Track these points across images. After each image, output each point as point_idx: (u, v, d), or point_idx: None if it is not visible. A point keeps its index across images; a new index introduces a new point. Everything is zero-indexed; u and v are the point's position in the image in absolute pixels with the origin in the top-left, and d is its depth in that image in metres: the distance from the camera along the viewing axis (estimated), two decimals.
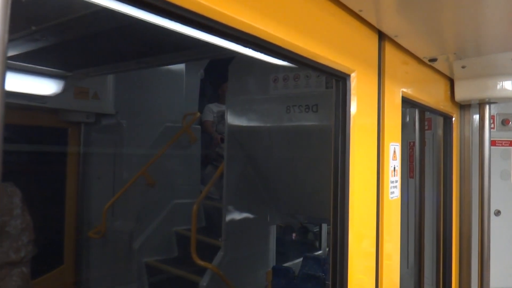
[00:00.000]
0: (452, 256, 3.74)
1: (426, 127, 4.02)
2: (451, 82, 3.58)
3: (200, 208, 7.15)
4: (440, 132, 3.81)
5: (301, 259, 7.10)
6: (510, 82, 3.27)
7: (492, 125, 3.90)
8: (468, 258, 3.84)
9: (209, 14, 1.25)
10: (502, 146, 4.02)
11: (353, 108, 2.06)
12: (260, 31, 1.45)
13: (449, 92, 3.60)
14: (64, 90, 6.21)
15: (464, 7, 1.97)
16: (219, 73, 7.69)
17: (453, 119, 3.75)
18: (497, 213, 3.90)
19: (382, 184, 2.34)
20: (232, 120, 5.93)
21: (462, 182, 3.88)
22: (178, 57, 5.36)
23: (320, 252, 9.18)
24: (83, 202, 7.32)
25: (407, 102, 2.79)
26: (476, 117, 3.75)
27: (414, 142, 3.89)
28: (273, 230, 7.00)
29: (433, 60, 2.91)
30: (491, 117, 3.75)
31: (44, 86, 5.99)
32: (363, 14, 2.05)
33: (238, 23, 1.36)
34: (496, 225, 3.72)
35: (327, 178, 2.18)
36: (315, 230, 9.99)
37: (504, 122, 4.00)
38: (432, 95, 3.32)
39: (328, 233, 8.84)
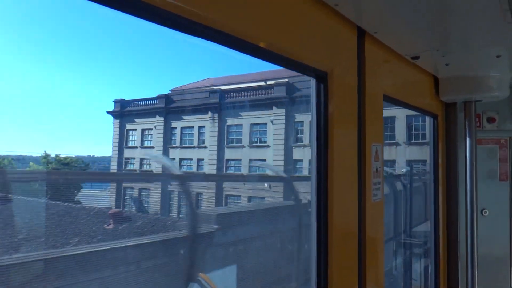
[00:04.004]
0: (440, 255, 3.80)
1: (477, 124, 4.01)
2: (436, 81, 3.60)
3: None
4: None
5: None
6: (495, 80, 3.31)
7: (478, 124, 4.04)
8: (455, 256, 3.91)
9: (183, 13, 1.26)
10: (488, 144, 4.16)
11: (332, 107, 2.03)
12: (234, 29, 1.45)
13: (433, 91, 3.62)
14: None
15: (448, 1, 1.95)
16: None
17: (438, 117, 3.78)
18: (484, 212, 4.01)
19: (364, 186, 2.32)
20: None
21: (449, 181, 3.94)
22: None
23: None
24: None
25: (389, 101, 2.77)
26: (462, 115, 3.77)
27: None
28: None
29: (416, 57, 2.90)
30: (477, 116, 3.87)
31: None
32: (339, 9, 2.01)
33: (212, 22, 1.36)
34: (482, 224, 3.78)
35: None
36: None
37: (490, 120, 4.10)
38: (416, 94, 3.34)
39: None
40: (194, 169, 36.60)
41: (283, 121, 35.90)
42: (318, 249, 2.04)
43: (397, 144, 33.42)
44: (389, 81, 2.72)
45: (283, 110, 35.92)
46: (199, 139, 37.25)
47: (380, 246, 2.53)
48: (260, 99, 36.25)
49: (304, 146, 35.80)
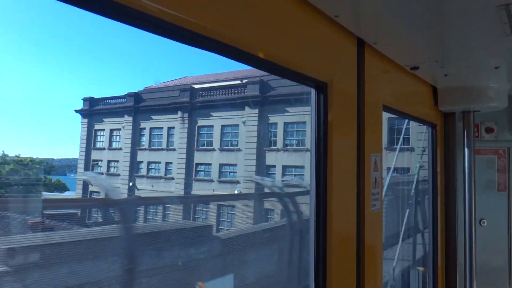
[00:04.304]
0: (438, 265, 3.73)
1: (475, 134, 3.89)
2: (434, 91, 3.55)
3: None
4: None
5: None
6: (493, 90, 3.29)
7: (476, 134, 3.93)
8: (454, 266, 3.83)
9: (182, 24, 1.24)
10: (486, 155, 4.09)
11: (332, 117, 2.00)
12: (234, 39, 1.43)
13: (432, 101, 3.56)
14: None
15: (446, 13, 1.94)
16: None
17: (437, 127, 3.73)
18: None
19: (363, 196, 2.27)
20: None
21: (447, 191, 3.87)
22: None
23: None
24: None
25: (389, 111, 2.76)
26: (460, 125, 3.71)
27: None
28: None
29: (415, 68, 2.85)
30: (475, 126, 3.74)
31: None
32: (340, 20, 1.99)
33: (211, 32, 1.34)
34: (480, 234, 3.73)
35: None
36: None
37: (488, 131, 4.03)
38: (415, 104, 3.30)
39: None
40: (162, 173, 34.60)
41: (256, 123, 33.11)
42: (316, 259, 1.99)
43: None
44: (388, 91, 2.70)
45: (256, 111, 33.18)
46: (168, 140, 35.17)
47: (379, 257, 2.48)
48: (232, 99, 33.61)
49: (278, 150, 32.94)
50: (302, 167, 31.44)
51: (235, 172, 32.78)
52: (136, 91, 35.71)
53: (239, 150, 33.05)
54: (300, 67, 1.81)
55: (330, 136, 1.99)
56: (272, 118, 32.76)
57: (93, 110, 36.56)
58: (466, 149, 3.56)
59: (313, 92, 2.03)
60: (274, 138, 32.74)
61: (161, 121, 34.73)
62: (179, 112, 34.24)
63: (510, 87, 3.37)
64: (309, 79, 1.93)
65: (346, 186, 2.16)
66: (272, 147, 32.64)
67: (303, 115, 32.12)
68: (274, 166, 32.32)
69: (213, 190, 33.78)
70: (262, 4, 1.56)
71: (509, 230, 4.07)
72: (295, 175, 32.31)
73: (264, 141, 32.93)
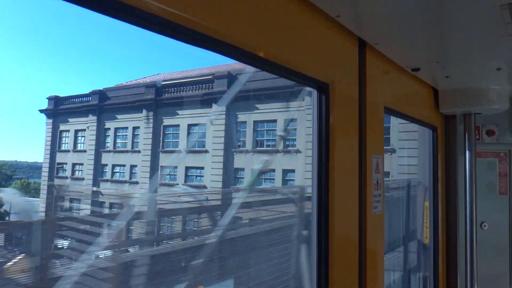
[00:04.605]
0: (439, 269, 3.69)
1: (477, 137, 3.83)
2: (435, 93, 3.52)
3: None
4: None
5: None
6: (495, 92, 3.26)
7: (477, 136, 3.88)
8: (455, 270, 3.79)
9: (182, 22, 1.23)
10: (487, 157, 4.02)
11: (333, 118, 1.99)
12: (235, 39, 1.42)
13: (433, 103, 3.54)
14: None
15: (448, 14, 1.93)
16: None
17: (438, 130, 3.71)
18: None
19: (364, 198, 2.25)
20: None
21: (448, 194, 3.83)
22: None
23: None
24: None
25: (390, 113, 2.76)
26: (461, 128, 3.70)
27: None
28: None
29: (416, 69, 2.84)
30: (476, 128, 3.69)
31: None
32: (341, 20, 1.98)
33: (212, 31, 1.33)
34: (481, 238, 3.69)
35: None
36: None
37: (489, 133, 3.96)
38: (416, 106, 3.28)
39: None
40: (127, 177, 32.16)
41: (224, 121, 30.09)
42: (318, 261, 1.98)
43: None
44: (389, 93, 2.68)
45: (224, 108, 30.10)
46: (133, 142, 32.66)
47: (380, 259, 2.47)
48: (198, 95, 30.62)
49: (247, 152, 29.70)
50: (273, 170, 28.23)
51: (202, 176, 29.95)
52: (101, 89, 33.34)
53: (206, 151, 30.16)
54: (301, 67, 1.80)
55: (332, 137, 1.99)
56: (242, 117, 29.68)
57: (58, 110, 34.61)
58: (467, 152, 3.53)
59: (314, 93, 2.01)
60: (243, 139, 29.69)
61: (126, 121, 32.27)
62: (144, 111, 31.66)
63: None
64: (310, 80, 1.91)
65: (348, 187, 2.15)
66: (241, 149, 29.60)
67: (275, 113, 28.80)
68: (243, 169, 29.30)
69: (179, 196, 30.78)
70: (262, 3, 1.56)
71: (510, 234, 3.99)
72: (265, 179, 29.25)
73: (233, 142, 29.93)
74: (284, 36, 1.66)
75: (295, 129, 27.96)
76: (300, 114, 27.85)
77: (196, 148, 30.67)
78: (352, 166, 2.18)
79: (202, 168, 30.34)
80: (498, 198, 4.01)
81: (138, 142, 32.18)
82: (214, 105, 30.34)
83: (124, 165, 32.19)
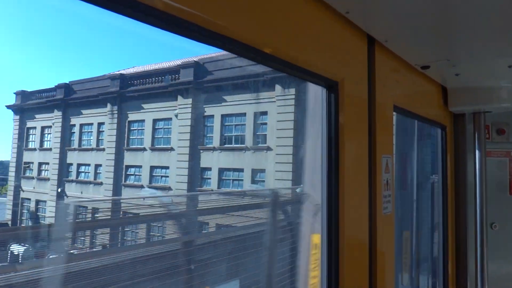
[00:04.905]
0: (448, 270, 3.66)
1: (486, 136, 3.69)
2: (444, 91, 3.48)
3: None
4: None
5: None
6: (506, 90, 3.22)
7: (487, 135, 3.79)
8: (465, 271, 3.74)
9: (189, 18, 1.20)
10: (498, 157, 3.93)
11: (342, 117, 1.96)
12: (243, 36, 1.40)
13: (442, 101, 3.48)
14: None
15: (458, 10, 1.90)
16: None
17: (447, 129, 3.66)
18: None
19: (374, 198, 2.23)
20: None
21: (457, 194, 3.78)
22: None
23: None
24: None
25: (399, 112, 2.73)
26: (471, 127, 3.63)
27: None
28: None
29: (426, 67, 2.80)
30: (486, 127, 3.62)
31: None
32: (350, 17, 1.95)
33: (227, 31, 1.32)
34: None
35: None
36: None
37: (499, 132, 3.90)
38: (425, 104, 3.24)
39: None
40: (91, 177, 29.65)
41: (189, 116, 27.10)
42: (328, 263, 1.96)
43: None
44: (399, 91, 2.65)
45: (190, 101, 27.11)
46: (98, 139, 30.08)
47: (391, 260, 2.45)
48: (162, 87, 27.69)
49: (214, 149, 26.66)
50: (242, 170, 24.99)
51: (167, 177, 27.06)
52: (67, 82, 30.89)
53: (171, 149, 27.21)
54: (310, 65, 1.77)
55: (341, 136, 1.96)
56: (208, 110, 26.52)
57: (24, 106, 32.52)
58: (476, 151, 3.48)
59: (323, 92, 1.98)
60: (211, 134, 26.54)
61: (91, 116, 29.71)
62: (109, 105, 28.96)
63: None
64: (319, 78, 1.89)
65: (358, 188, 2.12)
66: (208, 146, 26.48)
67: (245, 105, 25.48)
68: (210, 169, 26.20)
69: (143, 199, 28.16)
70: None
71: None
72: (233, 180, 26.12)
73: (199, 138, 26.85)
74: (292, 33, 1.62)
75: (266, 124, 24.69)
76: (271, 106, 24.42)
77: (161, 146, 27.77)
78: (361, 166, 2.14)
79: (167, 167, 27.43)
80: (509, 198, 3.89)
81: (103, 139, 29.59)
82: (179, 98, 27.30)
83: (89, 165, 29.72)
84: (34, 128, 32.16)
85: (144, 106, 28.34)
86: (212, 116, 26.20)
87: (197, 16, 1.21)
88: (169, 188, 26.94)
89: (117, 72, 29.69)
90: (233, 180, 25.40)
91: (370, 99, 2.22)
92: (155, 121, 28.08)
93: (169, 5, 1.12)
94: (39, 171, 31.36)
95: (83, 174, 29.82)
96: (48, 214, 28.79)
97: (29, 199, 30.10)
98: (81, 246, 10.07)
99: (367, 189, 2.18)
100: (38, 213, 30.38)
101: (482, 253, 3.37)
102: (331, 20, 1.88)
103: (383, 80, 2.34)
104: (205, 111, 26.56)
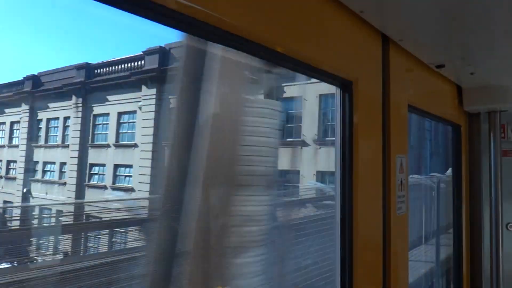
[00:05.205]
0: (463, 272, 3.67)
1: (502, 135, 3.73)
2: (459, 90, 3.51)
3: None
4: None
5: None
6: None
7: (503, 135, 3.81)
8: (480, 273, 3.75)
9: (202, 18, 1.22)
10: None
11: (357, 117, 1.98)
12: (257, 36, 1.42)
13: (456, 100, 3.52)
14: None
15: (473, 9, 1.89)
16: None
17: (461, 128, 3.68)
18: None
19: (388, 198, 2.24)
20: None
21: (472, 194, 3.80)
22: None
23: None
24: None
25: (413, 111, 2.75)
26: (486, 126, 3.64)
27: None
28: None
29: (441, 66, 2.82)
30: (501, 126, 3.66)
31: None
32: (364, 16, 1.96)
33: (240, 30, 1.33)
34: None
35: None
36: None
37: None
38: (439, 103, 3.27)
39: None
40: (57, 177, 27.19)
41: (154, 108, 24.14)
42: (342, 263, 1.97)
43: (303, 143, 19.28)
44: (413, 90, 2.64)
45: (154, 91, 24.10)
46: (64, 135, 27.53)
47: (405, 261, 2.46)
48: (126, 76, 24.82)
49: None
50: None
51: (131, 177, 24.22)
52: (36, 73, 28.54)
53: (135, 146, 24.30)
54: (324, 64, 1.78)
55: (355, 136, 1.97)
56: (174, 101, 23.38)
57: None
58: (492, 150, 3.49)
59: (337, 91, 1.99)
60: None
61: (57, 110, 27.19)
62: (73, 97, 26.35)
63: None
64: (334, 78, 1.90)
65: (372, 188, 2.13)
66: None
67: None
68: None
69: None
70: None
71: None
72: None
73: (164, 133, 23.82)
74: (306, 32, 1.64)
75: None
76: None
77: (126, 142, 24.94)
78: (376, 165, 2.16)
79: (131, 166, 24.57)
80: None
81: (68, 135, 27.08)
82: (144, 88, 24.38)
83: (54, 163, 27.27)
84: (4, 123, 30.15)
85: (109, 98, 25.57)
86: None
87: (211, 15, 1.22)
88: (132, 190, 24.05)
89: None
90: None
91: (384, 98, 2.22)
92: (120, 114, 25.24)
93: (183, 5, 1.14)
94: (7, 170, 29.30)
95: (48, 173, 27.44)
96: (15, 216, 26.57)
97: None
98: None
99: (381, 189, 2.18)
100: (5, 215, 28.28)
101: (497, 253, 3.38)
102: (345, 19, 1.88)
103: (398, 79, 2.33)
104: (171, 103, 23.48)
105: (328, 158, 18.50)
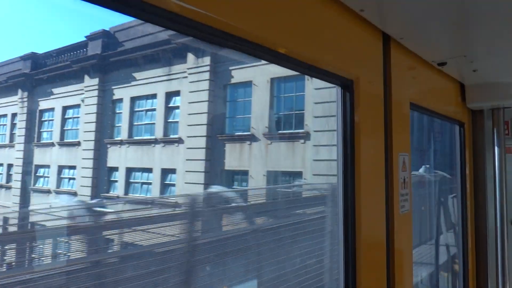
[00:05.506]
0: (469, 269, 3.68)
1: (506, 132, 3.71)
2: (462, 87, 3.53)
3: None
4: None
5: None
6: None
7: (506, 131, 3.81)
8: (485, 270, 3.75)
9: (203, 20, 1.24)
10: None
11: (358, 116, 1.99)
12: (257, 36, 1.42)
13: (459, 98, 3.54)
14: None
15: (475, 5, 1.88)
16: None
17: (465, 125, 3.70)
18: None
19: (391, 197, 2.25)
20: None
21: (476, 191, 3.81)
22: None
23: None
24: None
25: (415, 109, 2.73)
26: (489, 123, 3.67)
27: None
28: None
29: (442, 64, 2.82)
30: (505, 123, 3.65)
31: None
32: (365, 15, 1.97)
33: (240, 31, 1.34)
34: None
35: None
36: None
37: None
38: (442, 101, 3.29)
39: None
40: (3, 180, 24.68)
41: (96, 100, 21.47)
42: (345, 262, 1.97)
43: (252, 138, 16.19)
44: (415, 88, 2.66)
45: (96, 81, 21.39)
46: (12, 133, 24.99)
47: (409, 260, 2.46)
48: (67, 65, 22.04)
49: (121, 143, 20.84)
50: (173, 170, 18.45)
51: (74, 179, 21.48)
52: None
53: (78, 144, 21.48)
54: (324, 64, 1.79)
55: (357, 135, 1.97)
56: (118, 92, 20.59)
57: None
58: (495, 147, 3.50)
59: (338, 90, 2.00)
60: (119, 125, 20.59)
61: (4, 106, 24.73)
62: (19, 92, 23.78)
63: None
64: (334, 77, 1.90)
65: (374, 187, 2.13)
66: (116, 139, 20.59)
67: (155, 84, 19.63)
68: (116, 169, 20.42)
69: (50, 206, 23.21)
70: None
71: None
72: (142, 183, 20.29)
73: (107, 129, 20.97)
74: (306, 32, 1.64)
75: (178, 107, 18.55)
76: (183, 83, 18.18)
77: (69, 140, 22.22)
78: (378, 164, 2.16)
79: (75, 167, 21.87)
80: None
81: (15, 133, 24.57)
82: (86, 78, 21.64)
83: (1, 165, 24.79)
84: None
85: (54, 91, 22.84)
86: (122, 99, 20.23)
87: (211, 18, 1.23)
88: (75, 194, 21.27)
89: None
90: (143, 183, 19.36)
91: (386, 97, 2.22)
92: (64, 109, 22.50)
93: (184, 8, 1.15)
94: None
95: None
96: None
97: None
98: None
99: (384, 188, 2.18)
100: None
101: (502, 250, 3.42)
102: (345, 18, 1.89)
103: (399, 77, 2.34)
104: (115, 94, 20.62)
105: (279, 155, 15.49)
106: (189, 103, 17.79)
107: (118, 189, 19.74)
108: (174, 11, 1.13)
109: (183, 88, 18.08)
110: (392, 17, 2.02)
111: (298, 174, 14.72)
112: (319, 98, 13.92)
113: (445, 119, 3.50)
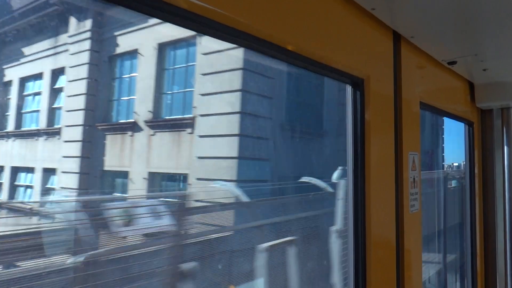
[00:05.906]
0: (477, 269, 3.64)
1: None
2: (471, 86, 3.49)
3: None
4: None
5: None
6: None
7: None
8: (494, 270, 3.72)
9: (213, 17, 1.21)
10: None
11: (368, 115, 1.97)
12: (268, 34, 1.41)
13: (469, 97, 3.51)
14: None
15: (486, 4, 1.87)
16: None
17: (474, 125, 3.65)
18: None
19: (401, 196, 2.23)
20: None
21: (485, 191, 3.77)
22: None
23: None
24: None
25: (425, 108, 2.71)
26: (499, 122, 3.64)
27: None
28: None
29: (453, 62, 2.80)
30: None
31: None
32: (376, 13, 1.96)
33: (250, 29, 1.32)
34: None
35: None
36: None
37: None
38: (452, 100, 3.27)
39: None
40: None
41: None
42: (355, 262, 1.97)
43: (134, 126, 11.54)
44: (425, 87, 2.64)
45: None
46: None
47: (418, 259, 2.45)
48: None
49: (7, 135, 13.71)
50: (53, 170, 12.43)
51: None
52: None
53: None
54: (335, 62, 1.77)
55: (367, 134, 1.95)
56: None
57: None
58: (505, 147, 3.48)
59: (349, 89, 1.97)
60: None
61: None
62: None
63: None
64: (345, 75, 1.88)
65: (384, 186, 2.12)
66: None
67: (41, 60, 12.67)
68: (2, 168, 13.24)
69: None
70: None
71: None
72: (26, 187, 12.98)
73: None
74: (317, 30, 1.62)
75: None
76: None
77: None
78: (388, 163, 2.15)
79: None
80: None
81: None
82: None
83: None
84: None
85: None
86: (11, 81, 13.57)
87: (220, 14, 1.21)
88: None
89: None
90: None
91: (396, 95, 2.21)
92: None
93: (192, 4, 1.13)
94: None
95: None
96: None
97: None
98: None
99: (394, 187, 2.17)
100: None
101: (511, 249, 3.36)
102: (356, 17, 1.87)
103: (409, 76, 2.32)
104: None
105: (162, 150, 10.82)
106: (69, 81, 12.37)
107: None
108: (183, 7, 1.12)
109: (67, 63, 12.53)
110: (403, 16, 2.01)
111: (183, 178, 10.45)
112: (209, 68, 9.98)
113: (454, 118, 3.42)
